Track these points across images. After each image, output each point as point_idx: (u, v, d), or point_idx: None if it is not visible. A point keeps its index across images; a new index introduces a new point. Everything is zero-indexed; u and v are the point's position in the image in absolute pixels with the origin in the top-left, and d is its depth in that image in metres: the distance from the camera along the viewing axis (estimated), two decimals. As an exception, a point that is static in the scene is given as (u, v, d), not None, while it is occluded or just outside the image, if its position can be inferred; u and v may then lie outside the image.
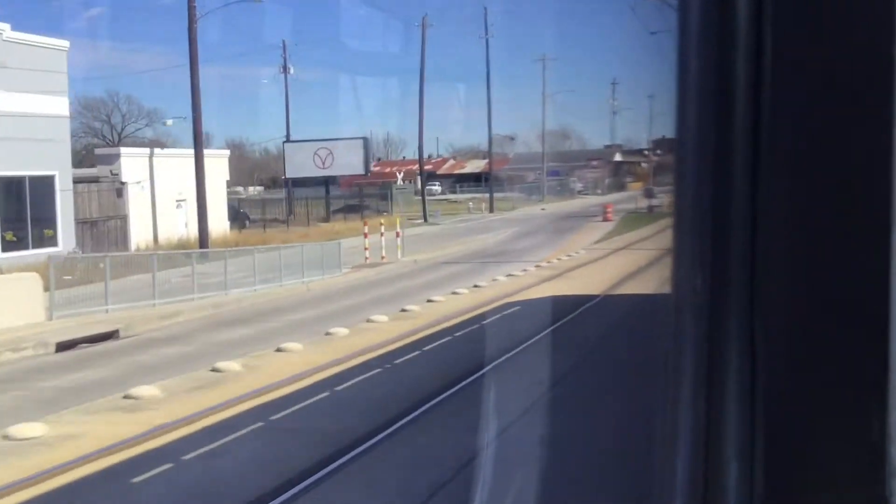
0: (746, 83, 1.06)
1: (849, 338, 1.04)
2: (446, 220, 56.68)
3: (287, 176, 56.39)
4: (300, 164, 54.96)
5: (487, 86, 66.97)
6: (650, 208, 51.38)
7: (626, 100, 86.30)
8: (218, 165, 40.10)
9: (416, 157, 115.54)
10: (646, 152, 56.53)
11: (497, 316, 17.16)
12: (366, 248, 30.69)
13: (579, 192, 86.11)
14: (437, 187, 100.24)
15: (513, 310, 17.88)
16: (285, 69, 63.92)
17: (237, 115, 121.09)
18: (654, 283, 19.36)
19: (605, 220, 48.63)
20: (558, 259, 28.55)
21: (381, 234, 31.16)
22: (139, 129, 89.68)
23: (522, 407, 8.99)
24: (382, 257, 30.67)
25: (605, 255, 27.77)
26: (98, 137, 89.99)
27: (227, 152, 44.67)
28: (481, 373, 11.51)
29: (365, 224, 32.47)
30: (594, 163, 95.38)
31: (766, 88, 1.06)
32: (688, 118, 1.12)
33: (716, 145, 1.08)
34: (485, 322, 16.57)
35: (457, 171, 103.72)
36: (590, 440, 8.07)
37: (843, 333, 1.04)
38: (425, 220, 55.51)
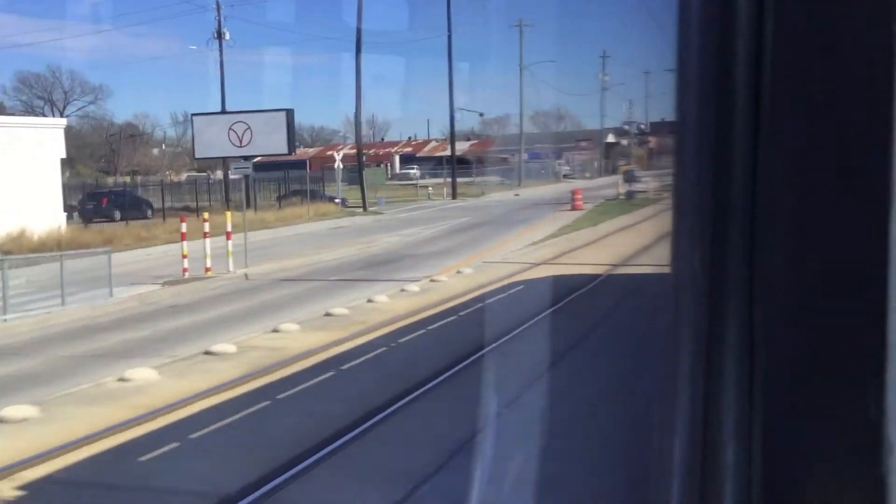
0: (747, 62, 1.03)
1: (847, 317, 0.99)
2: (392, 209, 46.37)
3: (197, 156, 45.68)
4: (212, 142, 44.19)
5: (449, 55, 56.24)
6: (630, 194, 40.84)
7: (620, 75, 75.78)
8: (47, 140, 29.49)
9: (402, 139, 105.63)
10: (625, 126, 45.84)
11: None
12: (184, 256, 20.32)
13: (565, 176, 75.58)
14: (415, 171, 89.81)
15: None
16: (220, 34, 53.41)
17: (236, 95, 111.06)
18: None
19: (575, 208, 38.30)
20: (446, 276, 18.03)
21: (206, 235, 20.74)
22: (83, 106, 79.65)
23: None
24: (207, 270, 20.30)
25: (511, 275, 17.03)
26: (40, 117, 80.00)
27: (63, 122, 33.61)
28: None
29: (182, 221, 22.02)
30: (583, 143, 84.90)
31: (768, 68, 1.02)
32: (688, 97, 1.09)
33: (716, 125, 1.05)
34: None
35: (438, 154, 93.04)
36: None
37: (841, 312, 0.99)
38: (364, 209, 45.09)
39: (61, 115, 79.89)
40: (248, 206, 45.22)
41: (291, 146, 47.06)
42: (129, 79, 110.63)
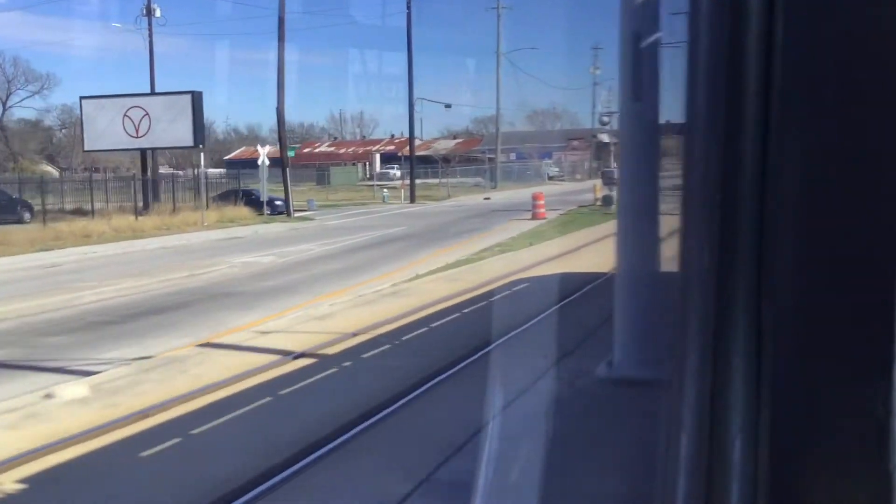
0: (758, 58, 1.01)
1: (855, 315, 0.98)
2: (328, 214, 37.70)
3: (87, 148, 36.90)
4: (104, 131, 35.49)
5: (408, 43, 47.36)
6: (607, 199, 31.79)
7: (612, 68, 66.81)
8: None
9: (387, 137, 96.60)
10: (604, 118, 36.71)
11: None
12: None
13: (551, 178, 66.64)
14: (395, 170, 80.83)
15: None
16: (149, 11, 44.49)
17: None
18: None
19: (535, 216, 29.45)
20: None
21: None
22: (28, 97, 70.96)
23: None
24: None
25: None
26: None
27: None
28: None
29: None
30: (576, 143, 75.86)
31: (778, 66, 1.01)
32: (697, 94, 1.07)
33: (726, 123, 1.03)
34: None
35: (421, 153, 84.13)
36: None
37: (848, 311, 0.98)
38: (289, 214, 36.25)
39: (3, 107, 71.46)
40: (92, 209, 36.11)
41: (199, 137, 38.03)
42: (102, 69, 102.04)
